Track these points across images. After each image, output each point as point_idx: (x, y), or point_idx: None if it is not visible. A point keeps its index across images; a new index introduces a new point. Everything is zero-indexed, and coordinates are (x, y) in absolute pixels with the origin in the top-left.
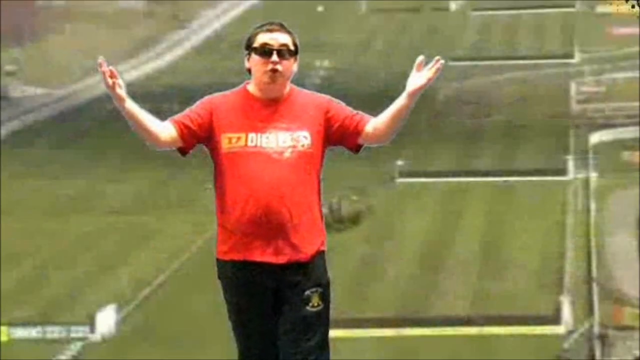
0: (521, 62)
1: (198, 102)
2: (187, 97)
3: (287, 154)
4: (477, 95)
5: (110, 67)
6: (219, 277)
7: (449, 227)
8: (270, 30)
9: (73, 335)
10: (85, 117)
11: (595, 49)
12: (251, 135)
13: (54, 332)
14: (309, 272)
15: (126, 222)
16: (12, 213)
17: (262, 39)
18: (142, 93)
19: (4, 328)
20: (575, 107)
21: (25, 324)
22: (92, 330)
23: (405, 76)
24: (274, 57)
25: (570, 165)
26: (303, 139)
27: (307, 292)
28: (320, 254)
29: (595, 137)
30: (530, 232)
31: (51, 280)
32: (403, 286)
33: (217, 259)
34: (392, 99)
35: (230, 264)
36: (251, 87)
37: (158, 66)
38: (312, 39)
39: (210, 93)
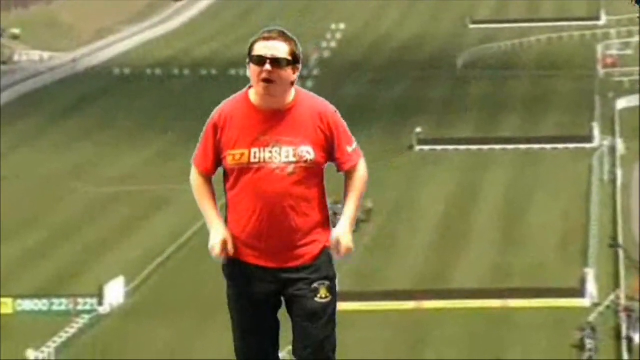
0: (545, 24)
1: (205, 128)
2: (192, 63)
3: (289, 170)
4: (499, 60)
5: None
6: (223, 270)
7: (470, 197)
8: (267, 39)
9: (81, 307)
10: (92, 82)
11: (622, 10)
12: (254, 150)
13: (61, 304)
14: (314, 269)
15: (134, 192)
16: (16, 181)
17: (257, 47)
18: (149, 59)
19: (10, 300)
20: (601, 72)
21: (31, 296)
22: (101, 303)
23: (421, 40)
24: (267, 67)
25: (596, 131)
26: (306, 154)
27: (315, 285)
28: (323, 250)
29: (622, 103)
30: (555, 202)
31: (58, 252)
32: (423, 257)
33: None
34: (407, 63)
35: (237, 261)
36: (252, 96)
37: (165, 31)
38: (329, 3)
39: (214, 60)
